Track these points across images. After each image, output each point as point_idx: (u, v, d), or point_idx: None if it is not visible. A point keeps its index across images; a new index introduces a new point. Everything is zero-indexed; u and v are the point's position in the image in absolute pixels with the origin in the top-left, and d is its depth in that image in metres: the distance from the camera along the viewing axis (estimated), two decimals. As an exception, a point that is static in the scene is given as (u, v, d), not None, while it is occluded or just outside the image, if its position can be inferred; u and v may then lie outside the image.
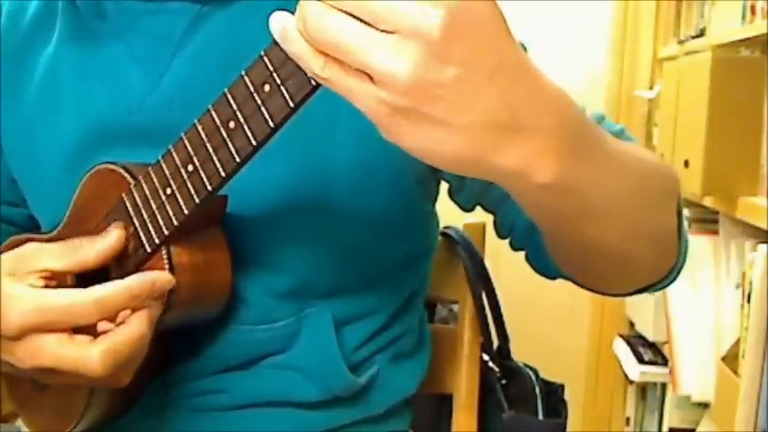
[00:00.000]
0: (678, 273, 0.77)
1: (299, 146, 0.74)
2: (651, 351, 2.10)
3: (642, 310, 2.13)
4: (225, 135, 0.63)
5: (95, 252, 0.70)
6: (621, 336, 2.31)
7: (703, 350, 1.68)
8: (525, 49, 0.73)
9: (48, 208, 0.83)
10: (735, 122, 1.55)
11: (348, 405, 0.80)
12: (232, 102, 0.61)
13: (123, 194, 0.72)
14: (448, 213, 0.89)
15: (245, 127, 0.61)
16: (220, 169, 0.64)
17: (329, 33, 0.49)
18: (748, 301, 1.35)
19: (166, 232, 0.69)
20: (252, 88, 0.59)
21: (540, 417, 0.94)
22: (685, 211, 0.78)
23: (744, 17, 1.62)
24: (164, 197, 0.69)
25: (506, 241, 0.85)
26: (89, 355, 0.65)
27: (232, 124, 0.62)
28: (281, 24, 0.52)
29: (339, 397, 0.79)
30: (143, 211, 0.70)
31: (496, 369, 0.98)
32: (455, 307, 1.01)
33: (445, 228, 0.99)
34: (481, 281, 0.97)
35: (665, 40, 2.38)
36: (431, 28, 0.47)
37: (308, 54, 0.51)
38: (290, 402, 0.79)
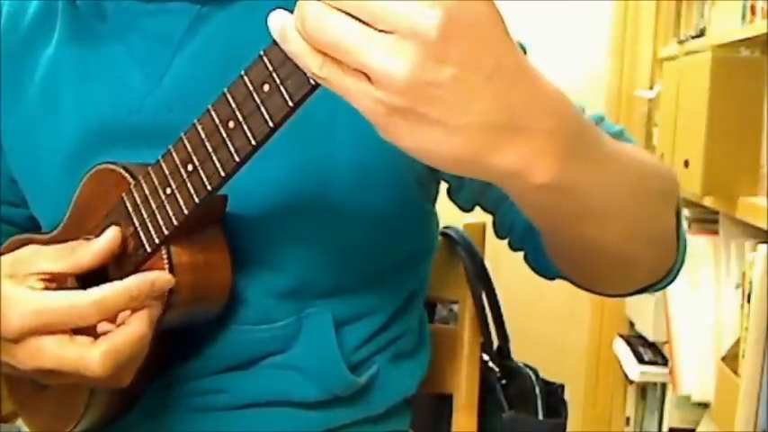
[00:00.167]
0: (677, 273, 0.77)
1: (299, 145, 0.74)
2: (651, 351, 2.10)
3: (642, 310, 2.13)
4: (224, 135, 0.63)
5: (91, 253, 0.70)
6: (621, 336, 2.31)
7: (703, 350, 1.68)
8: (524, 49, 0.73)
9: (48, 208, 0.83)
10: (735, 122, 1.55)
11: (348, 405, 0.80)
12: (231, 101, 0.61)
13: (123, 194, 0.72)
14: (448, 213, 0.89)
15: (245, 126, 0.61)
16: (220, 169, 0.64)
17: (328, 33, 0.49)
18: (748, 301, 1.35)
19: (166, 232, 0.69)
20: (251, 88, 0.59)
21: (540, 417, 0.94)
22: (685, 211, 0.78)
23: (744, 17, 1.62)
24: (163, 197, 0.69)
25: (506, 241, 0.85)
26: (90, 357, 0.65)
27: (231, 124, 0.62)
28: (279, 24, 0.52)
29: (339, 397, 0.79)
30: (143, 211, 0.70)
31: (496, 369, 0.98)
32: (455, 307, 1.00)
33: (445, 228, 0.99)
34: (481, 281, 0.97)
35: (665, 40, 2.38)
36: (428, 28, 0.47)
37: (306, 53, 0.51)
38: (290, 402, 0.79)
